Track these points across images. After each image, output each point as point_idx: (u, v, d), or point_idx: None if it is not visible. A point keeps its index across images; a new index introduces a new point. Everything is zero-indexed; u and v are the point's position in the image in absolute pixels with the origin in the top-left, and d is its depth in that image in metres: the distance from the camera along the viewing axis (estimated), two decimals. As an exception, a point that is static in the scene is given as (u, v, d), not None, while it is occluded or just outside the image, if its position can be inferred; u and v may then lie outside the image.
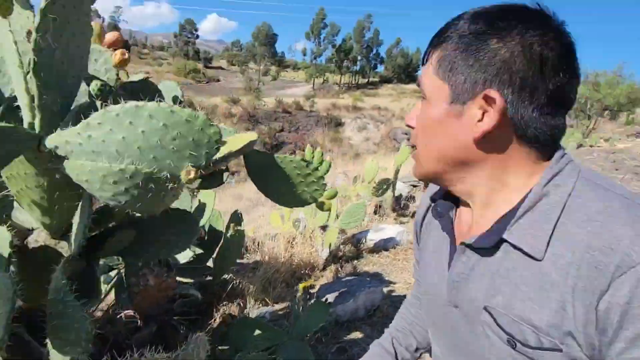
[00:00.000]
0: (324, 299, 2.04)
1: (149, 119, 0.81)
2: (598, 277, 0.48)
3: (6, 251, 0.91)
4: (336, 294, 2.35)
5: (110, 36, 1.16)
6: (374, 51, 71.75)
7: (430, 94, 0.63)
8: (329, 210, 1.67)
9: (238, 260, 3.17)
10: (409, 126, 0.71)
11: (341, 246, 3.60)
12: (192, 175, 0.84)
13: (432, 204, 0.77)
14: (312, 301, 1.95)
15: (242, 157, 1.42)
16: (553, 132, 0.58)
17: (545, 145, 0.59)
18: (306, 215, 3.72)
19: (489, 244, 0.60)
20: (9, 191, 0.99)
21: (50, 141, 0.82)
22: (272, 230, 4.05)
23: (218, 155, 1.21)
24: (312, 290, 2.63)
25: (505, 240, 0.58)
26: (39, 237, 1.08)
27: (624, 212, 0.50)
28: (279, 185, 1.45)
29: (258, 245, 3.52)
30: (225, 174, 1.66)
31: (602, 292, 0.48)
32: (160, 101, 0.81)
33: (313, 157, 1.51)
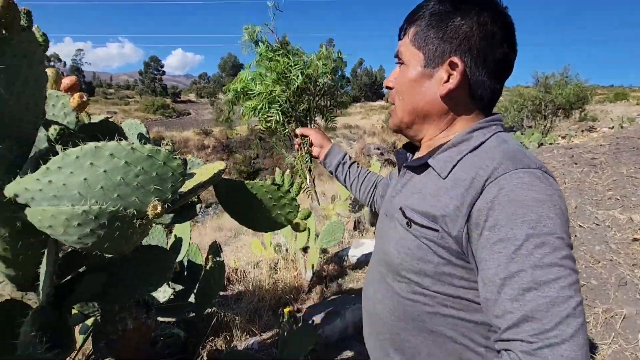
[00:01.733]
0: (310, 322, 2.02)
1: (110, 158, 0.81)
2: (475, 184, 0.66)
3: (-32, 310, 0.88)
4: (323, 314, 2.33)
5: (67, 81, 1.17)
6: (339, 73, 73.90)
7: (408, 60, 0.81)
8: (305, 230, 1.68)
9: (221, 293, 3.09)
10: (387, 87, 0.88)
11: (324, 266, 3.58)
12: (159, 209, 0.84)
13: (396, 150, 0.96)
14: (299, 325, 1.93)
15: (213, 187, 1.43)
16: (494, 95, 0.77)
17: (486, 106, 0.78)
18: (286, 239, 3.70)
19: (416, 164, 0.80)
20: (-32, 247, 0.96)
21: (9, 190, 0.81)
22: (255, 258, 3.99)
23: (186, 187, 1.22)
24: (298, 314, 2.60)
25: (428, 164, 0.77)
26: (4, 291, 1.03)
27: (503, 151, 0.69)
28: (252, 211, 1.46)
29: (241, 275, 3.45)
30: (198, 206, 1.65)
31: (477, 194, 0.65)
32: (120, 139, 0.83)
33: (283, 180, 1.54)
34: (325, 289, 3.15)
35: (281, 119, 1.31)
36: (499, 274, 0.60)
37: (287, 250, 3.67)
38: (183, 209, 1.50)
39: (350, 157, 1.35)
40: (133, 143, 0.83)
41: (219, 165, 1.40)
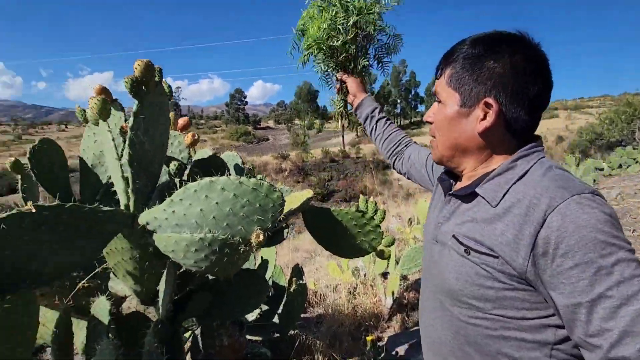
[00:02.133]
0: (394, 352, 1.96)
1: (221, 191, 0.92)
2: (533, 214, 0.69)
3: (106, 319, 1.04)
4: (406, 346, 2.24)
5: (182, 122, 1.35)
6: (412, 92, 72.80)
7: (445, 99, 0.85)
8: (389, 257, 1.66)
9: (302, 315, 3.16)
10: (427, 122, 0.92)
11: (405, 293, 3.46)
12: (262, 238, 0.92)
13: (439, 175, 0.99)
14: (382, 356, 1.88)
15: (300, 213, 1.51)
16: (532, 126, 0.80)
17: (524, 137, 0.81)
18: (365, 263, 3.66)
19: (464, 193, 0.83)
20: (107, 264, 1.14)
21: (142, 219, 0.96)
22: (333, 281, 4.02)
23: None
24: (380, 343, 2.53)
25: (476, 193, 0.80)
26: (131, 304, 1.20)
27: (553, 179, 0.72)
28: (337, 238, 1.50)
29: (320, 297, 3.50)
30: (285, 230, 1.74)
31: (539, 224, 0.67)
32: (229, 175, 0.93)
33: (367, 207, 1.55)
34: (406, 318, 3.03)
35: (324, 68, 1.40)
36: (585, 297, 0.63)
37: (365, 275, 3.63)
38: (273, 233, 1.60)
39: (380, 111, 1.43)
40: (240, 178, 0.92)
41: (307, 193, 1.48)
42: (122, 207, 0.98)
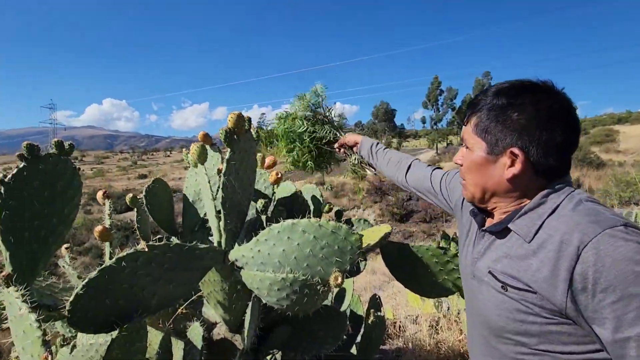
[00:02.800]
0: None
1: (302, 233, 0.96)
2: (567, 250, 0.70)
3: (199, 343, 1.14)
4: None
5: (268, 160, 1.45)
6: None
7: (472, 146, 0.89)
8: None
9: (380, 347, 3.06)
10: (457, 163, 0.97)
11: (495, 332, 3.14)
12: (340, 280, 0.93)
13: (471, 209, 1.00)
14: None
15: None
16: (561, 168, 0.81)
17: (554, 177, 0.82)
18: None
19: (496, 229, 0.86)
20: (201, 292, 1.26)
21: (232, 256, 1.05)
22: (413, 311, 3.83)
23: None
24: (467, 388, 2.31)
25: (509, 228, 0.82)
26: (220, 330, 1.30)
27: (584, 213, 0.73)
28: (417, 275, 1.44)
29: (399, 329, 3.36)
30: (362, 263, 1.73)
31: (573, 260, 0.69)
32: (309, 217, 0.97)
33: (450, 243, 1.48)
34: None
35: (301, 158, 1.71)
36: (633, 331, 0.63)
37: (448, 308, 3.39)
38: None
39: (377, 144, 1.56)
40: (320, 220, 0.96)
41: (385, 228, 1.46)
42: (215, 244, 1.09)
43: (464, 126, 0.93)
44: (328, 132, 1.69)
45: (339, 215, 1.49)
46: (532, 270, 0.75)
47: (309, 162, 1.73)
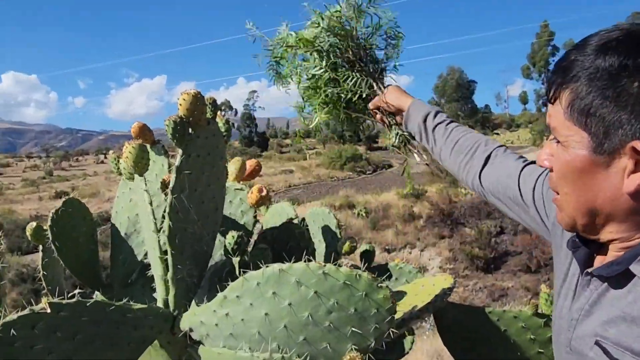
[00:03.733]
0: None
1: (296, 286, 0.61)
2: None
3: None
4: None
5: (248, 166, 1.07)
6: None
7: (566, 140, 0.62)
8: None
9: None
10: (541, 166, 0.69)
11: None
12: (360, 366, 0.56)
13: (571, 237, 0.72)
14: None
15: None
16: None
17: None
18: None
19: (612, 273, 0.60)
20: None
21: (185, 323, 0.68)
22: None
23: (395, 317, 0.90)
24: None
25: (632, 272, 0.58)
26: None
27: None
28: (495, 354, 0.99)
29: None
30: (410, 338, 1.22)
31: None
32: (308, 259, 0.60)
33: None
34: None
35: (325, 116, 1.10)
36: None
37: None
38: (389, 343, 1.15)
39: (436, 115, 1.07)
40: (325, 266, 0.60)
41: (444, 280, 0.97)
42: (159, 303, 0.71)
43: (549, 105, 0.65)
44: (360, 81, 1.08)
45: (367, 257, 1.04)
46: None
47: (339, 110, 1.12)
